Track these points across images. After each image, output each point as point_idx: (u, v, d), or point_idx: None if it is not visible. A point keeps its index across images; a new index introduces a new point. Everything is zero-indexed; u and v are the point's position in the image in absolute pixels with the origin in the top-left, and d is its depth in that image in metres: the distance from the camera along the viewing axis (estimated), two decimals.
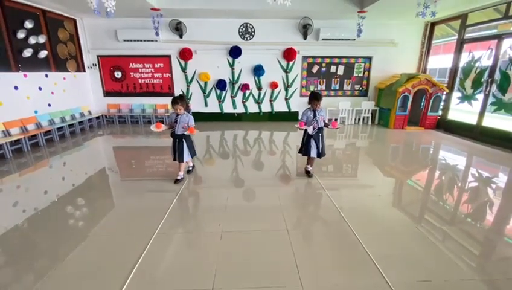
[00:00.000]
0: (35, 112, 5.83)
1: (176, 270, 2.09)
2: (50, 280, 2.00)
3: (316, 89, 8.27)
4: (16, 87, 5.35)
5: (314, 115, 3.57)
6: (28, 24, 5.63)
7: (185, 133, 3.43)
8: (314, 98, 3.51)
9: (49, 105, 6.23)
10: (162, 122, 3.65)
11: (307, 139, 3.74)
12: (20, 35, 5.47)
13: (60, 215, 3.00)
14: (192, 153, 3.73)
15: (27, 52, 5.61)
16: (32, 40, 5.72)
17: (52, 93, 6.32)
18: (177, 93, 8.07)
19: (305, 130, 3.70)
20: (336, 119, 3.74)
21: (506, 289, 1.94)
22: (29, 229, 2.73)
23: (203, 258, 2.22)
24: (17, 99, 5.39)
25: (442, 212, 3.08)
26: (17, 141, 5.13)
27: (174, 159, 3.65)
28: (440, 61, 8.58)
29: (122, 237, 2.58)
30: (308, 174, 3.96)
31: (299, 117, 8.36)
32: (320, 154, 3.74)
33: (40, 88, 5.95)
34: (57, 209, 3.13)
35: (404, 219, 2.90)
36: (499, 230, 2.76)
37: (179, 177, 3.69)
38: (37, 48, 5.89)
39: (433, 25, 7.70)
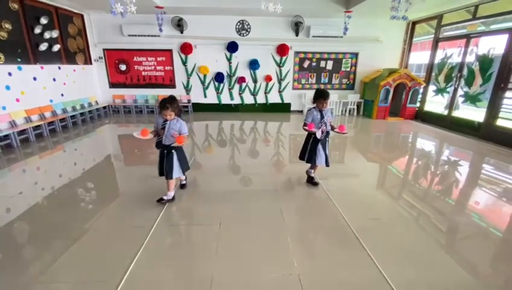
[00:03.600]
0: (51, 100, 6.41)
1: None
2: (75, 247, 2.34)
3: (307, 82, 8.95)
4: (34, 78, 5.92)
5: (322, 116, 3.11)
6: (43, 20, 6.15)
7: (174, 144, 2.70)
8: (321, 95, 3.05)
9: (62, 95, 6.80)
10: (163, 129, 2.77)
11: (312, 144, 3.25)
12: (37, 30, 6.01)
13: (72, 194, 3.34)
14: (184, 167, 2.99)
15: (43, 46, 6.16)
16: (47, 35, 6.26)
17: (64, 84, 6.88)
18: (178, 85, 8.67)
19: (309, 134, 3.26)
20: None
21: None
22: (47, 205, 3.10)
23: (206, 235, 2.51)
24: (35, 89, 5.97)
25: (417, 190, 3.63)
26: (37, 127, 5.72)
27: (161, 175, 2.91)
28: (420, 57, 9.30)
29: (127, 217, 2.79)
30: (312, 181, 3.52)
31: (291, 108, 9.15)
32: (327, 162, 3.30)
33: (54, 79, 6.52)
34: (69, 189, 3.47)
35: (382, 197, 3.39)
36: (459, 201, 3.35)
37: (165, 197, 2.93)
38: (51, 42, 6.43)
39: (414, 24, 8.39)
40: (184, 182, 3.37)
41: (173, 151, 2.81)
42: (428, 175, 4.18)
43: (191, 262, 2.15)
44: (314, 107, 3.19)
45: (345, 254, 2.27)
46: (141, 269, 2.06)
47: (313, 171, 3.54)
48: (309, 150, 3.30)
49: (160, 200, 2.93)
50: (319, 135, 3.12)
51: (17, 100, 5.50)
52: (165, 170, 2.85)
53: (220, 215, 2.82)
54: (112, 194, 3.38)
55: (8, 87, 5.29)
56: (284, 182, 3.73)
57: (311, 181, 3.53)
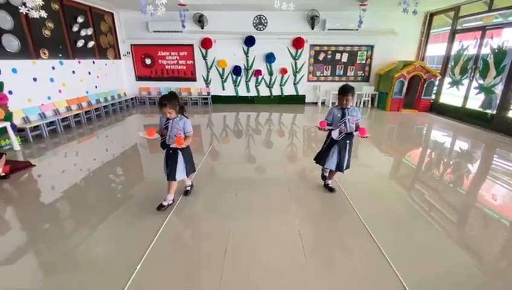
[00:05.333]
0: (87, 92, 7.14)
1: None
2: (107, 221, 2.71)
3: (322, 74, 9.19)
4: (73, 72, 6.64)
5: (343, 115, 2.74)
6: (80, 19, 6.82)
7: (176, 145, 2.48)
8: (341, 91, 2.70)
9: (96, 87, 7.53)
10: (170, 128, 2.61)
11: (328, 144, 2.94)
12: (74, 28, 6.69)
13: (105, 176, 3.74)
14: (190, 169, 2.78)
15: (80, 43, 6.85)
16: (83, 32, 6.95)
17: (98, 77, 7.60)
18: (199, 78, 9.20)
19: (329, 133, 2.93)
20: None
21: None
22: (83, 185, 3.48)
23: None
24: (74, 81, 6.70)
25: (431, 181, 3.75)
26: (76, 115, 6.44)
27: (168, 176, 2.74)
28: (440, 49, 9.22)
29: (153, 199, 2.96)
30: (327, 187, 3.20)
31: (306, 100, 9.44)
32: (340, 167, 2.90)
33: (89, 72, 7.24)
34: (102, 172, 3.88)
35: (395, 187, 3.48)
36: (472, 192, 3.46)
37: (164, 203, 2.75)
38: (86, 38, 7.12)
39: (432, 15, 8.35)
40: (188, 187, 3.06)
41: (178, 151, 2.62)
42: (441, 167, 4.27)
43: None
44: (336, 106, 2.86)
45: (355, 245, 2.33)
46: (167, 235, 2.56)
47: (327, 177, 3.20)
48: (323, 150, 3.01)
49: (160, 207, 2.71)
50: (335, 135, 2.79)
51: (60, 91, 6.24)
52: (168, 172, 2.67)
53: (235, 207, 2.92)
54: (138, 177, 3.80)
55: (52, 80, 6.02)
56: (296, 172, 3.88)
57: (327, 187, 3.20)
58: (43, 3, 4.06)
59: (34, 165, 3.93)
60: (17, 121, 4.99)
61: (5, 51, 4.90)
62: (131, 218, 2.69)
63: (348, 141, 2.84)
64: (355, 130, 2.81)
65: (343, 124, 2.75)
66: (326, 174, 3.23)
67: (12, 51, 5.05)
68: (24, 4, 4.01)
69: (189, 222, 2.71)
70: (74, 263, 2.09)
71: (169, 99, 2.45)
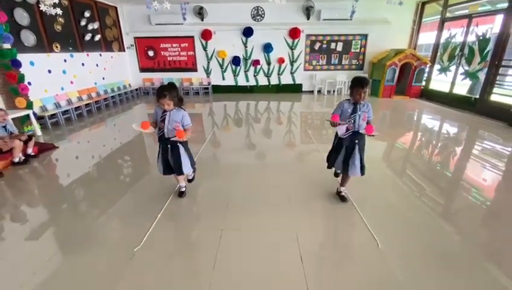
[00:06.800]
0: (95, 83, 7.60)
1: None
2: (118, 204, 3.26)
3: (317, 63, 9.56)
4: (82, 64, 7.09)
5: (355, 111, 2.45)
6: (87, 13, 7.21)
7: (176, 138, 2.40)
8: (357, 83, 2.39)
9: (103, 78, 7.98)
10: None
11: (337, 144, 2.66)
12: (82, 23, 7.10)
13: (113, 162, 4.06)
14: (192, 161, 2.76)
15: (87, 36, 7.27)
16: (90, 27, 7.35)
17: (105, 69, 8.04)
18: (200, 69, 9.60)
19: (336, 135, 2.65)
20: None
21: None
22: (96, 170, 3.75)
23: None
24: (84, 73, 7.15)
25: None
26: (87, 105, 6.92)
27: (166, 173, 2.68)
28: (431, 37, 9.53)
29: (156, 183, 3.25)
30: (338, 194, 2.86)
31: (303, 88, 9.85)
32: (350, 170, 2.58)
33: (97, 65, 7.68)
34: (111, 158, 4.20)
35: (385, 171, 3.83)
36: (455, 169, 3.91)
37: (182, 189, 2.90)
38: (93, 32, 7.52)
39: (423, 4, 8.65)
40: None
41: (178, 144, 2.55)
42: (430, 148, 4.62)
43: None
44: (347, 99, 2.53)
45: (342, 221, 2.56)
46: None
47: (342, 187, 2.82)
48: (332, 151, 2.74)
49: (181, 194, 2.87)
50: (340, 131, 2.47)
51: (71, 82, 6.71)
52: (173, 166, 2.61)
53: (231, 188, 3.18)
54: (144, 163, 4.11)
55: (64, 72, 6.48)
56: (295, 156, 4.25)
57: (339, 195, 2.85)
58: (57, 1, 4.49)
59: (58, 147, 4.45)
60: (36, 109, 5.47)
61: (24, 45, 5.35)
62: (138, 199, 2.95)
63: (356, 141, 2.51)
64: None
65: (352, 121, 2.44)
66: (341, 191, 2.83)
67: (29, 45, 5.50)
68: (40, 2, 4.43)
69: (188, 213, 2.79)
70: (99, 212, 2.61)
71: (170, 90, 2.36)
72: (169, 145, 2.54)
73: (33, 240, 2.32)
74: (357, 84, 2.38)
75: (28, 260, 2.08)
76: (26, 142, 3.82)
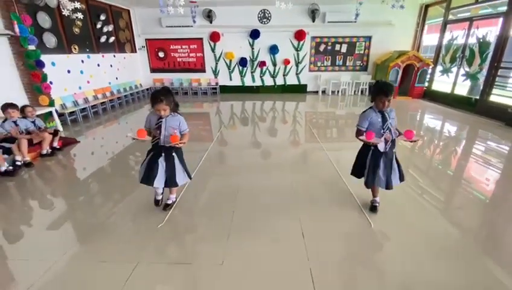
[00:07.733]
0: (109, 83, 7.98)
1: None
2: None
3: (322, 64, 9.81)
4: (98, 65, 7.47)
5: (385, 119, 2.26)
6: (102, 16, 7.60)
7: (175, 144, 2.24)
8: (381, 91, 2.20)
9: (117, 78, 8.36)
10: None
11: (372, 158, 2.40)
12: (98, 25, 7.48)
13: (125, 158, 4.29)
14: (187, 171, 2.56)
15: (103, 38, 7.65)
16: (105, 29, 7.73)
17: (118, 69, 8.42)
18: (208, 69, 9.94)
19: (366, 145, 2.43)
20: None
21: None
22: (109, 165, 3.99)
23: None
24: (99, 73, 7.53)
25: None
26: (102, 103, 7.29)
27: (147, 182, 2.35)
28: (436, 39, 9.71)
29: None
30: (373, 206, 2.64)
31: (308, 89, 10.11)
32: (390, 181, 2.38)
33: (111, 65, 8.06)
34: (123, 154, 4.42)
35: None
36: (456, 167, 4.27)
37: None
38: (108, 34, 7.91)
39: (427, 6, 8.84)
40: (170, 201, 2.71)
41: (174, 154, 2.40)
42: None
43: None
44: (371, 107, 2.34)
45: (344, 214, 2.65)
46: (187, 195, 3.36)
47: (376, 198, 2.63)
48: (369, 166, 2.43)
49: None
50: (381, 147, 2.29)
51: (88, 82, 7.09)
52: (167, 178, 2.40)
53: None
54: None
55: (82, 72, 6.86)
56: (300, 155, 4.44)
57: (373, 209, 2.62)
58: (79, 6, 4.84)
59: (79, 142, 4.80)
60: (57, 107, 5.83)
61: (46, 47, 5.73)
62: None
63: (394, 150, 2.37)
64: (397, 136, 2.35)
65: (388, 131, 2.27)
66: (375, 204, 2.63)
67: (50, 47, 5.88)
68: (61, 6, 4.77)
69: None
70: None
71: (165, 94, 2.21)
72: (163, 154, 2.35)
73: (60, 225, 2.60)
74: (380, 93, 2.20)
75: (58, 241, 2.34)
76: (53, 136, 4.17)
